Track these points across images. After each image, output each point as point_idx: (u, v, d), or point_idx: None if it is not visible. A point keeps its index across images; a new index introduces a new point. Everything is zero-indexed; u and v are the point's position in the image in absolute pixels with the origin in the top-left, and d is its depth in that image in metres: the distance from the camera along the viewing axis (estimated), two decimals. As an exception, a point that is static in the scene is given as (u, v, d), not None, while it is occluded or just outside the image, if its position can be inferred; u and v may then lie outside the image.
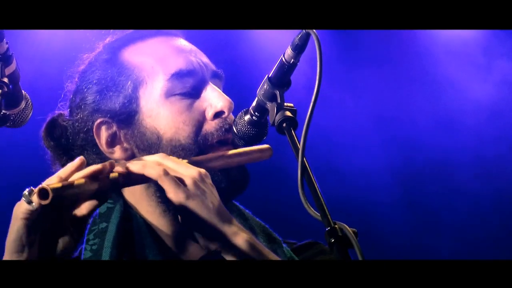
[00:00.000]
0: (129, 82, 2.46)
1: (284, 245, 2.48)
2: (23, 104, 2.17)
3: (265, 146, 2.45)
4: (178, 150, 2.38)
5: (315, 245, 2.57)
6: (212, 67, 2.54)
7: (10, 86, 2.06)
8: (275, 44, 5.34)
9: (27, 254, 2.06)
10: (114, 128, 2.45)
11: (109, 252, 2.29)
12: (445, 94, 6.17)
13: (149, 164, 2.19)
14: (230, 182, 2.40)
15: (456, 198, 6.13)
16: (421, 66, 6.18)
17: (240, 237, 2.18)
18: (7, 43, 2.04)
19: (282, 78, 2.20)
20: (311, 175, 2.00)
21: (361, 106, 6.12)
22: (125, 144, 2.45)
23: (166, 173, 2.15)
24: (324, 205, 1.95)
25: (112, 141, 2.45)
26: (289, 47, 2.16)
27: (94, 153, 2.47)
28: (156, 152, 2.37)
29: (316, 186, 1.99)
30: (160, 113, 2.42)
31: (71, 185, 2.06)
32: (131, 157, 2.43)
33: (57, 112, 2.56)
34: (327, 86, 5.88)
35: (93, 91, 2.47)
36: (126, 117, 2.44)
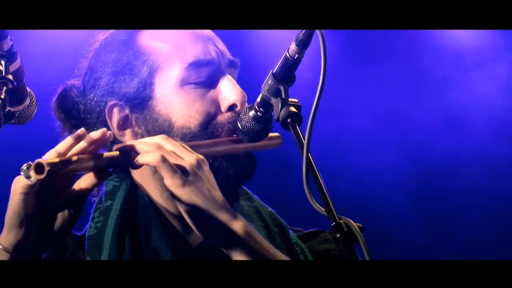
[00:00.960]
0: (145, 68, 2.45)
1: (290, 231, 2.48)
2: (27, 101, 2.17)
3: (275, 134, 2.45)
4: (187, 138, 2.38)
5: (320, 234, 2.57)
6: (229, 55, 2.53)
7: (15, 83, 2.06)
8: (280, 40, 5.33)
9: (25, 229, 2.07)
10: (127, 111, 2.46)
11: (112, 230, 2.30)
12: (455, 92, 6.14)
13: (149, 149, 2.18)
14: (238, 169, 2.41)
15: (467, 197, 6.10)
16: (432, 65, 6.14)
17: (236, 224, 2.17)
18: (11, 40, 2.04)
19: (286, 74, 2.20)
20: (316, 170, 2.00)
21: (372, 105, 6.09)
22: (136, 128, 2.45)
23: (164, 159, 2.14)
24: (329, 200, 1.95)
25: (124, 124, 2.46)
26: (293, 42, 2.16)
27: None
28: None
29: (321, 181, 1.98)
30: (174, 101, 2.43)
31: (69, 160, 2.07)
32: None
33: (69, 83, 2.56)
34: (339, 84, 5.86)
35: (108, 72, 2.47)
36: (140, 102, 2.44)
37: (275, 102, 2.20)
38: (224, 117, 2.44)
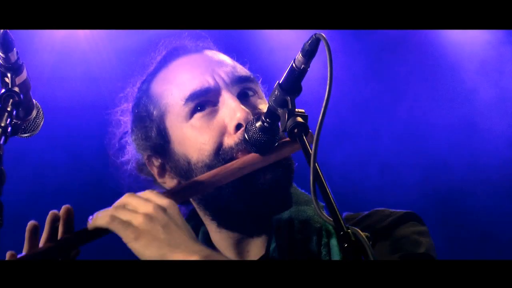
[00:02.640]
0: (155, 113, 2.55)
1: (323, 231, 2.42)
2: (34, 113, 2.17)
3: None
4: (205, 170, 2.42)
5: (378, 212, 2.47)
6: (237, 73, 2.54)
7: (21, 96, 2.06)
8: (287, 49, 5.30)
9: None
10: (160, 160, 2.55)
11: None
12: (475, 95, 6.08)
13: (99, 216, 2.16)
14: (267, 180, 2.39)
15: (490, 203, 6.04)
16: (452, 68, 6.09)
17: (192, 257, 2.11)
18: (17, 52, 2.04)
19: (293, 84, 2.20)
20: (323, 180, 1.99)
21: (395, 111, 6.05)
22: (171, 174, 2.54)
23: (112, 219, 2.12)
24: (336, 210, 1.94)
25: (162, 172, 2.56)
26: (299, 53, 2.15)
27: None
28: (190, 177, 2.44)
29: (328, 191, 1.97)
30: (185, 137, 2.48)
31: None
32: (179, 184, 2.51)
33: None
34: (357, 91, 5.81)
35: (139, 127, 2.59)
36: (162, 149, 2.53)
37: (282, 112, 2.20)
38: (233, 138, 2.43)
